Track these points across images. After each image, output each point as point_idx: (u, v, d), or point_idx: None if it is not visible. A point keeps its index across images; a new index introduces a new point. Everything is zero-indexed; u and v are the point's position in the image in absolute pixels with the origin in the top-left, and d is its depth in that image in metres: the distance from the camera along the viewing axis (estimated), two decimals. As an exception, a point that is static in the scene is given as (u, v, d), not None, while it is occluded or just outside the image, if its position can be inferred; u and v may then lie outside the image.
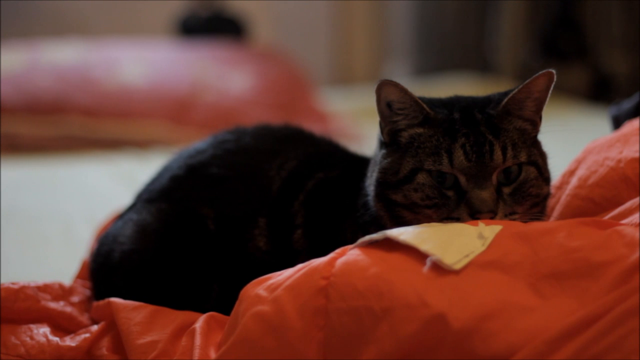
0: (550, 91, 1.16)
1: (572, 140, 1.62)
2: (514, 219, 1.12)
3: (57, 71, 3.29)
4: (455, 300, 0.93)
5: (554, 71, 1.14)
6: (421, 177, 1.13)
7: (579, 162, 1.32)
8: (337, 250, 1.06)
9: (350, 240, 1.08)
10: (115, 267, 1.33)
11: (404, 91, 1.14)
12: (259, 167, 1.32)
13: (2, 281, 1.30)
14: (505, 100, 1.15)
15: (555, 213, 1.27)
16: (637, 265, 0.91)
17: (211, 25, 4.06)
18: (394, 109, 1.15)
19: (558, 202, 1.29)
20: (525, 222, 1.11)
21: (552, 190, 1.25)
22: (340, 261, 1.02)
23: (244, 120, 2.46)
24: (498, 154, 1.11)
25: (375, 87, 1.15)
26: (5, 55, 3.37)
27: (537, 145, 1.19)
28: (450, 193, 1.12)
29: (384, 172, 1.16)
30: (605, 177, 1.24)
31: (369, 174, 1.22)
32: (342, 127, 3.29)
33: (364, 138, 2.99)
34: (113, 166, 2.79)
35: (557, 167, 1.23)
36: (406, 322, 0.93)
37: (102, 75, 3.32)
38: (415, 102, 1.14)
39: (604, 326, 0.87)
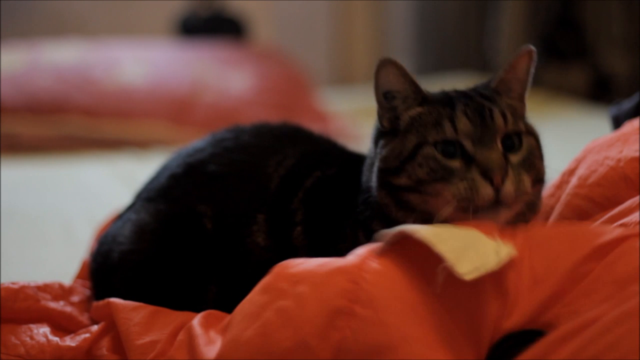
0: (530, 73, 1.17)
1: (572, 140, 1.62)
2: (525, 192, 1.10)
3: (57, 71, 3.30)
4: None
5: (533, 48, 1.15)
6: (426, 151, 1.11)
7: (578, 162, 1.32)
8: (362, 253, 1.03)
9: (350, 237, 1.07)
10: (114, 267, 1.33)
11: (403, 72, 1.14)
12: (257, 165, 1.32)
13: (2, 281, 1.30)
14: (495, 82, 1.16)
15: (555, 212, 1.27)
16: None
17: (211, 25, 4.06)
18: (393, 92, 1.15)
19: (558, 202, 1.29)
20: (529, 204, 1.12)
21: (552, 189, 1.25)
22: (373, 268, 1.00)
23: (244, 120, 2.45)
24: (498, 116, 1.11)
25: (375, 68, 1.14)
26: (5, 55, 3.38)
27: (532, 130, 1.19)
28: (457, 163, 1.10)
29: (385, 160, 1.16)
30: (605, 176, 1.24)
31: (365, 170, 1.22)
32: (342, 127, 3.30)
33: (364, 138, 2.99)
34: (113, 166, 2.79)
35: (557, 167, 1.23)
36: None
37: (102, 75, 3.32)
38: (413, 83, 1.15)
39: (602, 327, 0.87)
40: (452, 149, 1.10)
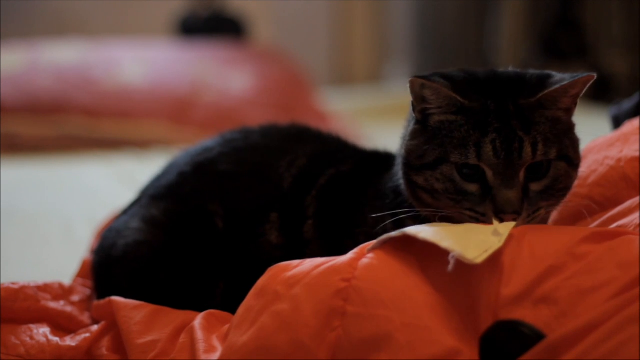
0: (588, 85, 1.12)
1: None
2: (538, 216, 1.11)
3: (57, 71, 3.29)
4: None
5: (595, 75, 1.10)
6: (445, 169, 1.10)
7: (578, 162, 1.32)
8: (356, 251, 1.04)
9: (371, 222, 1.07)
10: (117, 259, 1.32)
11: (437, 88, 1.11)
12: (268, 164, 1.32)
13: (2, 281, 1.30)
14: (540, 95, 1.10)
15: (555, 212, 1.27)
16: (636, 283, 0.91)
17: (211, 25, 4.06)
18: (428, 100, 1.12)
19: (558, 202, 1.29)
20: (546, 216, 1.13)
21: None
22: (363, 264, 1.01)
23: (244, 120, 2.46)
24: (527, 150, 1.08)
25: (408, 83, 1.12)
26: (5, 55, 3.37)
27: (570, 131, 1.15)
28: (474, 187, 1.09)
29: (408, 153, 1.15)
30: (606, 176, 1.24)
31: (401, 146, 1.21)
32: (342, 127, 3.29)
33: (364, 138, 2.99)
34: (113, 166, 2.79)
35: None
36: (427, 345, 0.93)
37: (102, 75, 3.32)
38: (450, 97, 1.11)
39: (604, 333, 0.87)
40: (473, 171, 1.09)
